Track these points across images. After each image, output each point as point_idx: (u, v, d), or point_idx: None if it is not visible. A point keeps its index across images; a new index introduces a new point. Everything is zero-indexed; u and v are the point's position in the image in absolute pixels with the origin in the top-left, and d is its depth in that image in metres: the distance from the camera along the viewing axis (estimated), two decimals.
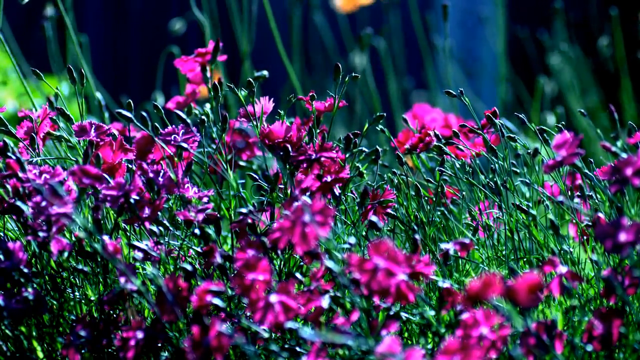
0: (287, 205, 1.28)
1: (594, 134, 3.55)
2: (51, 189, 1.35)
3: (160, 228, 1.41)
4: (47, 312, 1.43)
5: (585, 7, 4.50)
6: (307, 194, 1.45)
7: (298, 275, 1.39)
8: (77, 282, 1.48)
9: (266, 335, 1.33)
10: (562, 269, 1.32)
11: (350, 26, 3.82)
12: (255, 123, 1.54)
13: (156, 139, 1.51)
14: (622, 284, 1.31)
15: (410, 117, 2.12)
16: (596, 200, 1.48)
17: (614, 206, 1.38)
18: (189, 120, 1.55)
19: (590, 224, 1.49)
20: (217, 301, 1.29)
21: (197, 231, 1.40)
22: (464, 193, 1.57)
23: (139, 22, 5.20)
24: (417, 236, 1.33)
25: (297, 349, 1.35)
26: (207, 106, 1.64)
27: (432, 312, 1.32)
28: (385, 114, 1.57)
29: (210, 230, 1.40)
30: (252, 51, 2.75)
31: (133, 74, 5.21)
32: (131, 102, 1.59)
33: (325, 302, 1.30)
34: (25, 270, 1.39)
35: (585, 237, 1.50)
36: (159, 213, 1.40)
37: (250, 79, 1.57)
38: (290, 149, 1.47)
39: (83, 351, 1.38)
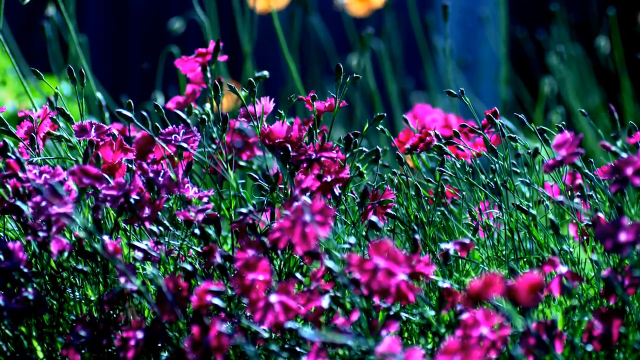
0: (287, 205, 1.28)
1: (595, 133, 3.55)
2: (51, 189, 1.35)
3: (160, 228, 1.41)
4: (47, 312, 1.43)
5: (585, 7, 4.50)
6: (307, 194, 1.45)
7: (298, 275, 1.39)
8: (77, 282, 1.48)
9: (266, 335, 1.33)
10: (562, 269, 1.32)
11: (349, 27, 3.82)
12: (255, 123, 1.54)
13: (156, 138, 1.51)
14: (622, 284, 1.31)
15: (411, 117, 2.12)
16: (596, 200, 1.48)
17: (614, 206, 1.38)
18: (189, 120, 1.55)
19: (590, 224, 1.49)
20: (217, 301, 1.29)
21: (197, 231, 1.40)
22: (464, 193, 1.57)
23: (139, 22, 5.20)
24: (417, 236, 1.33)
25: (297, 349, 1.35)
26: (207, 106, 1.64)
27: (432, 312, 1.32)
28: (385, 114, 1.57)
29: (210, 230, 1.40)
30: (252, 51, 2.75)
31: (133, 74, 5.21)
32: (131, 102, 1.59)
33: (325, 302, 1.30)
34: (25, 270, 1.39)
35: (585, 237, 1.50)
36: (159, 213, 1.40)
37: (251, 79, 1.57)
38: (290, 149, 1.47)
39: (83, 351, 1.38)
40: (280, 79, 3.77)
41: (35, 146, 1.56)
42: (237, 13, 2.88)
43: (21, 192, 1.42)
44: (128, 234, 1.49)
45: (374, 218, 1.37)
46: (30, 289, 1.40)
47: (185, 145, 1.50)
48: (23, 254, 1.39)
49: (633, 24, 4.09)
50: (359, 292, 1.28)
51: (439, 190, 1.54)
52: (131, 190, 1.39)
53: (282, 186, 1.50)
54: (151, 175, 1.43)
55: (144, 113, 1.52)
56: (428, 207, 1.53)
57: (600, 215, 1.38)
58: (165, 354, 1.38)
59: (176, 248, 1.46)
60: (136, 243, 1.39)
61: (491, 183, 1.53)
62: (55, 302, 1.47)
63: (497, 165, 1.53)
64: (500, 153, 1.53)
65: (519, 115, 1.56)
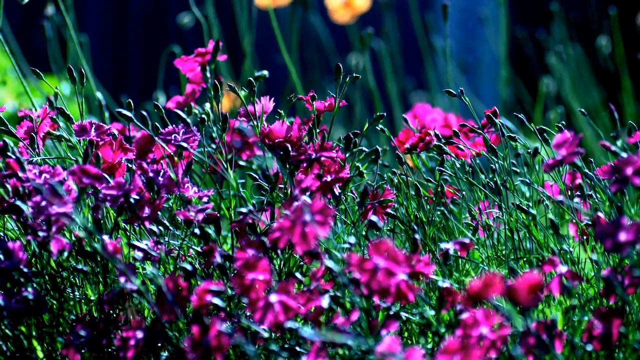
0: (287, 205, 1.28)
1: (594, 133, 3.55)
2: (51, 189, 1.35)
3: (160, 228, 1.41)
4: (47, 312, 1.43)
5: (585, 7, 4.50)
6: (307, 193, 1.45)
7: (298, 275, 1.39)
8: (77, 282, 1.48)
9: (266, 335, 1.33)
10: (562, 268, 1.32)
11: (349, 26, 3.82)
12: (255, 123, 1.54)
13: (156, 138, 1.51)
14: (622, 283, 1.31)
15: (411, 117, 2.12)
16: (596, 200, 1.48)
17: (614, 205, 1.38)
18: (189, 120, 1.55)
19: (590, 223, 1.49)
20: (217, 301, 1.29)
21: (197, 231, 1.40)
22: (464, 193, 1.57)
23: (139, 21, 5.20)
24: (417, 236, 1.33)
25: (297, 348, 1.35)
26: (207, 106, 1.64)
27: (432, 312, 1.32)
28: (385, 114, 1.57)
29: (210, 230, 1.40)
30: (252, 51, 2.75)
31: (133, 73, 5.21)
32: (131, 101, 1.59)
33: (325, 301, 1.30)
34: (25, 270, 1.39)
35: (585, 237, 1.50)
36: (159, 213, 1.40)
37: (251, 79, 1.57)
38: (290, 148, 1.47)
39: (83, 351, 1.38)
40: (281, 78, 3.77)
41: (35, 146, 1.55)
42: (237, 13, 2.88)
43: (21, 191, 1.42)
44: (128, 233, 1.49)
45: (373, 218, 1.37)
46: (30, 289, 1.40)
47: (185, 144, 1.50)
48: (23, 254, 1.39)
49: (633, 24, 4.09)
50: (358, 291, 1.28)
51: (439, 190, 1.54)
52: (131, 190, 1.39)
53: (282, 186, 1.50)
54: (151, 174, 1.43)
55: (144, 113, 1.52)
56: (428, 207, 1.53)
57: (600, 215, 1.38)
58: (165, 354, 1.38)
59: (176, 248, 1.46)
60: (136, 243, 1.39)
61: (491, 183, 1.53)
62: (55, 302, 1.47)
63: (497, 164, 1.53)
64: (500, 153, 1.53)
65: (519, 115, 1.56)
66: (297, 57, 3.31)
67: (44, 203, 1.36)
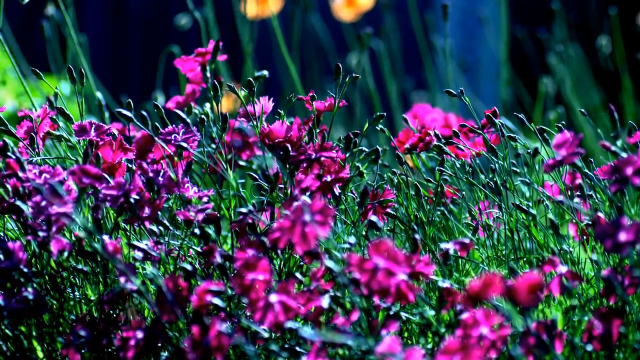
0: (287, 205, 1.28)
1: (594, 133, 3.55)
2: (51, 189, 1.35)
3: (160, 228, 1.41)
4: (47, 312, 1.43)
5: (585, 7, 4.50)
6: (307, 193, 1.45)
7: (298, 275, 1.39)
8: (77, 282, 1.48)
9: (266, 335, 1.33)
10: (562, 268, 1.32)
11: (348, 26, 3.82)
12: (255, 123, 1.54)
13: (156, 138, 1.51)
14: (622, 283, 1.31)
15: (411, 117, 2.12)
16: (596, 200, 1.48)
17: (614, 206, 1.38)
18: (189, 120, 1.55)
19: (590, 223, 1.49)
20: (217, 301, 1.29)
21: (197, 231, 1.40)
22: (464, 193, 1.57)
23: (139, 21, 5.20)
24: (417, 236, 1.33)
25: (297, 348, 1.35)
26: (207, 106, 1.64)
27: (432, 312, 1.32)
28: (385, 114, 1.57)
29: (210, 230, 1.40)
30: (253, 51, 2.75)
31: (133, 73, 5.21)
32: (131, 101, 1.59)
33: (325, 301, 1.30)
34: (25, 270, 1.39)
35: (585, 237, 1.50)
36: (159, 213, 1.40)
37: (251, 79, 1.57)
38: (290, 148, 1.47)
39: (83, 351, 1.38)
40: (280, 78, 3.77)
41: (35, 146, 1.55)
42: (237, 13, 2.89)
43: (21, 191, 1.42)
44: (128, 233, 1.49)
45: (373, 218, 1.37)
46: (30, 289, 1.40)
47: (184, 144, 1.50)
48: (23, 254, 1.39)
49: (633, 24, 4.09)
50: (358, 292, 1.28)
51: (439, 190, 1.54)
52: (131, 190, 1.39)
53: (282, 186, 1.50)
54: (151, 174, 1.43)
55: (144, 113, 1.52)
56: (428, 207, 1.53)
57: (600, 215, 1.38)
58: (165, 354, 1.38)
59: (176, 248, 1.46)
60: (136, 243, 1.39)
61: (491, 183, 1.53)
62: (55, 302, 1.47)
63: (496, 165, 1.53)
64: (500, 153, 1.53)
65: (519, 115, 1.56)
66: (297, 57, 3.31)
67: (44, 203, 1.36)
